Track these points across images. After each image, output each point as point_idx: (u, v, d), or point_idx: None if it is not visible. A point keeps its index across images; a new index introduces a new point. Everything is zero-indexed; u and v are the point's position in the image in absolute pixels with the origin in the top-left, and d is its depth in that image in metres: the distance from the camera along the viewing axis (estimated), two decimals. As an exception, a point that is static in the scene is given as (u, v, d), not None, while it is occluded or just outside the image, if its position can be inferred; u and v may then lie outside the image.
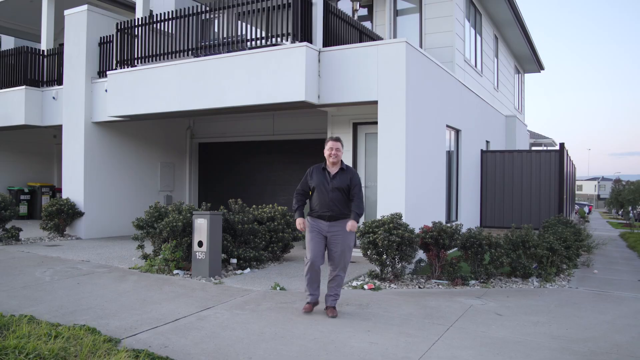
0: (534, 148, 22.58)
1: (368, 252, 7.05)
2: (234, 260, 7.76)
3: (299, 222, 5.40)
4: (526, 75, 21.97)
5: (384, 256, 6.98)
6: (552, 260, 7.87)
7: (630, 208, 36.81)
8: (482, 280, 7.43)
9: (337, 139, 5.45)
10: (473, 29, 13.08)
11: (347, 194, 5.35)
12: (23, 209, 15.55)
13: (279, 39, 8.64)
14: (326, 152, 5.41)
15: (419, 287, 7.03)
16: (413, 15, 11.97)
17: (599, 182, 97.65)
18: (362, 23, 10.52)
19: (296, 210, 5.47)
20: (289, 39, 8.50)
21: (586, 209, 42.66)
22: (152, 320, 5.11)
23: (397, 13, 12.25)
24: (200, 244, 7.12)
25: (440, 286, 7.14)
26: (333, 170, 5.41)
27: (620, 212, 44.08)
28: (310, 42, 8.51)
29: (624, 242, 15.29)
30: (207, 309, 5.55)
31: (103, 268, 7.80)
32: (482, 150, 13.03)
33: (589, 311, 6.02)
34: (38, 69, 12.91)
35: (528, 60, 19.45)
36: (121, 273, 7.41)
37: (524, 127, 18.85)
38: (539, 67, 20.73)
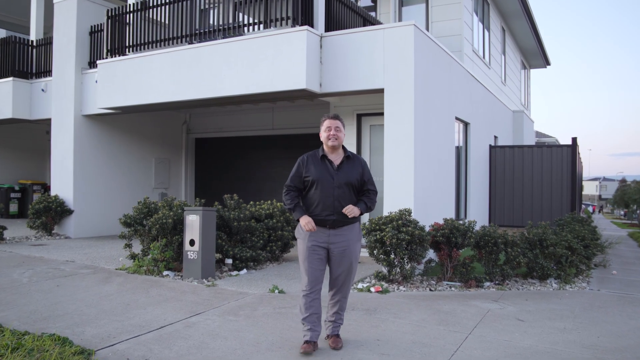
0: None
1: (375, 252, 6.49)
2: (229, 261, 7.19)
3: (306, 222, 3.93)
4: (530, 71, 21.42)
5: (392, 256, 6.43)
6: (572, 260, 7.33)
7: (635, 207, 36.35)
8: (497, 282, 6.88)
9: (336, 117, 4.14)
10: (481, 19, 12.53)
11: (355, 190, 4.08)
12: (13, 207, 15.00)
13: (278, 24, 8.07)
14: (323, 134, 4.09)
15: (430, 290, 6.47)
16: (419, 5, 11.41)
17: (600, 183, 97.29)
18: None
19: (294, 208, 4.05)
20: (288, 23, 7.94)
21: (590, 209, 42.20)
22: (134, 327, 4.55)
23: (402, 3, 11.69)
24: (192, 242, 6.55)
25: (452, 288, 6.58)
26: (335, 158, 4.09)
27: (623, 213, 43.67)
28: (312, 26, 7.95)
29: (634, 242, 14.86)
30: (196, 315, 4.99)
31: (87, 269, 7.24)
32: (490, 145, 12.47)
33: (617, 316, 5.47)
34: (27, 60, 12.35)
35: (534, 54, 18.90)
36: (106, 274, 6.84)
37: (531, 123, 18.30)
38: (545, 62, 20.19)
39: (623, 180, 59.51)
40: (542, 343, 4.44)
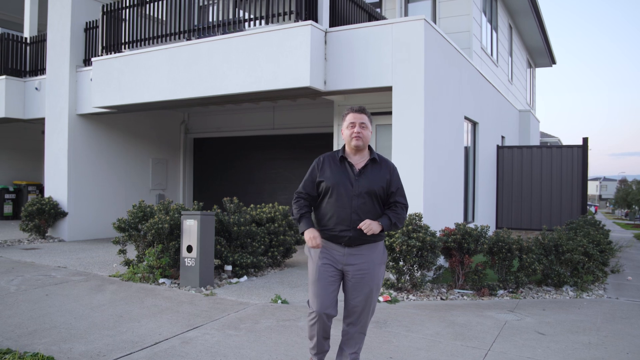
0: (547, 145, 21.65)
1: (383, 259, 6.13)
2: (229, 267, 6.84)
3: (311, 237, 3.22)
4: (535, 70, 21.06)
5: (401, 263, 6.07)
6: (588, 266, 6.98)
7: (637, 208, 36.01)
8: (511, 290, 6.53)
9: (362, 110, 3.33)
10: (489, 17, 12.17)
11: (380, 201, 3.29)
12: (8, 208, 14.65)
13: (280, 19, 7.72)
14: (346, 132, 3.31)
15: (441, 299, 6.12)
16: (426, 1, 11.04)
17: (600, 183, 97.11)
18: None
19: (300, 218, 3.32)
20: (291, 18, 7.59)
21: (592, 209, 41.91)
22: (127, 343, 4.19)
23: (408, -1, 11.33)
24: (189, 248, 6.19)
25: (464, 297, 6.23)
26: (358, 161, 3.31)
27: (625, 213, 43.36)
28: (316, 21, 7.59)
29: (643, 244, 14.48)
30: (194, 329, 4.63)
31: (80, 276, 6.87)
32: (498, 145, 12.11)
33: (643, 328, 5.12)
34: (20, 58, 11.97)
35: (541, 53, 18.54)
36: (99, 282, 6.48)
37: (537, 123, 17.94)
38: (551, 60, 19.82)
39: (624, 180, 59.14)
40: (568, 361, 4.10)
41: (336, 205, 3.22)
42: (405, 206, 3.35)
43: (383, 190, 3.27)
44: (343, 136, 3.35)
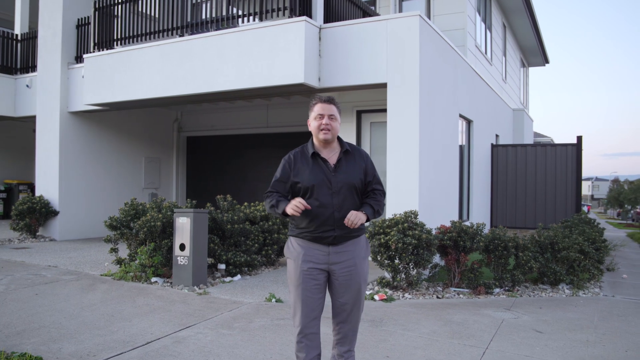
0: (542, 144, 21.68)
1: (378, 257, 6.07)
2: (222, 266, 6.75)
3: (295, 204, 2.88)
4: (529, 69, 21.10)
5: (397, 261, 6.01)
6: (584, 264, 6.95)
7: (629, 207, 36.27)
8: (507, 288, 6.49)
9: (330, 100, 3.07)
10: (483, 15, 12.15)
11: (359, 194, 3.09)
12: (-2, 208, 14.47)
13: (274, 15, 7.64)
14: (313, 123, 3.06)
15: (437, 297, 6.07)
16: (419, -1, 11.00)
17: (592, 183, 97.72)
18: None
19: (277, 204, 3.02)
20: (285, 14, 7.51)
21: (585, 209, 42.14)
22: (117, 343, 4.10)
23: (402, -4, 11.27)
24: (182, 247, 6.10)
25: (460, 295, 6.18)
26: (329, 154, 3.09)
27: (617, 213, 43.65)
28: (310, 17, 7.51)
29: (636, 243, 14.54)
30: (187, 328, 4.54)
31: (70, 275, 6.76)
32: (492, 144, 12.09)
33: (640, 326, 5.09)
34: (11, 55, 11.82)
35: (534, 52, 18.57)
36: (90, 281, 6.37)
37: (531, 122, 17.96)
38: (544, 60, 19.86)
39: (616, 180, 59.53)
40: (567, 359, 4.04)
41: (316, 206, 2.98)
42: (383, 192, 3.17)
43: (361, 181, 3.09)
44: (310, 127, 3.10)
